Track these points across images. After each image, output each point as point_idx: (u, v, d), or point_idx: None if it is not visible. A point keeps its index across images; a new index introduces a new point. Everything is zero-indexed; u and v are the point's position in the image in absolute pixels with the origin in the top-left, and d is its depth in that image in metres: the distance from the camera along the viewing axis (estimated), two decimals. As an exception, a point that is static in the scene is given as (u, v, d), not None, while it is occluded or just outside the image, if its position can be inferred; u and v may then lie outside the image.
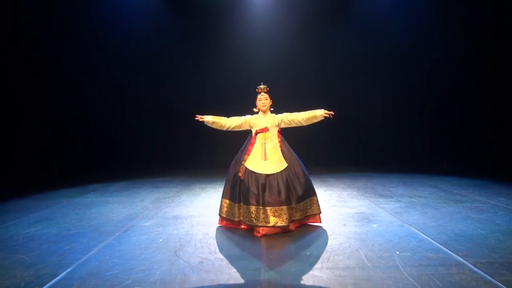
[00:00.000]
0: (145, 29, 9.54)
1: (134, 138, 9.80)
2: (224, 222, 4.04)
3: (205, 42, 9.72)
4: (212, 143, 9.64)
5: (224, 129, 4.04)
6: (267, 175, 3.78)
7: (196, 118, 4.00)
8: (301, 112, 3.96)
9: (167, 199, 5.67)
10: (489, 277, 2.52)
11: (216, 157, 9.46)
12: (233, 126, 4.01)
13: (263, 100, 3.98)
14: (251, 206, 3.69)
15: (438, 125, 9.66)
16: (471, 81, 9.02)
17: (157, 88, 9.78)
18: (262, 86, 4.04)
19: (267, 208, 3.65)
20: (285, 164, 3.86)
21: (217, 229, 3.94)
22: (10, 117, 8.14)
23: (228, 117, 4.08)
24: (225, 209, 4.00)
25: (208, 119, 3.99)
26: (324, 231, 3.77)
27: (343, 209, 4.73)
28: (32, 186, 7.11)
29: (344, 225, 3.97)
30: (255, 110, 4.08)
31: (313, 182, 4.18)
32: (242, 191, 3.82)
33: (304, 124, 4.00)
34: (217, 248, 3.29)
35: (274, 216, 3.64)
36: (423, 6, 9.31)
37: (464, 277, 2.53)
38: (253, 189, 3.73)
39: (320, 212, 4.00)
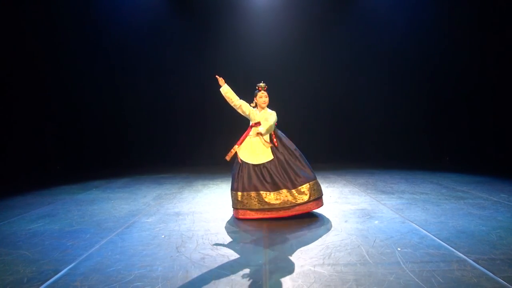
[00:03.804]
0: (146, 26, 9.53)
1: (136, 134, 9.82)
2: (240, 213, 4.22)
3: (207, 38, 9.71)
4: (214, 139, 9.65)
5: (232, 105, 4.32)
6: (254, 165, 4.14)
7: (216, 76, 4.30)
8: (270, 120, 4.16)
9: (169, 196, 5.69)
10: (491, 274, 2.52)
11: (218, 154, 9.43)
12: (242, 109, 4.28)
13: (263, 97, 4.28)
14: (251, 192, 4.08)
15: (440, 122, 9.64)
16: (474, 77, 8.99)
17: (158, 85, 9.78)
18: (262, 84, 4.31)
19: (260, 192, 4.05)
20: (271, 157, 4.15)
21: (218, 225, 3.95)
22: (12, 114, 8.16)
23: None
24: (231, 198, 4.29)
25: (226, 88, 4.29)
26: (326, 227, 3.77)
27: (344, 206, 4.73)
28: (35, 183, 7.14)
29: (346, 221, 3.98)
30: (252, 105, 4.35)
31: None
32: (239, 179, 4.15)
33: None
34: (218, 244, 3.30)
35: (275, 198, 4.05)
36: (426, 4, 9.26)
37: (465, 274, 2.53)
38: (245, 176, 4.12)
39: (322, 195, 4.30)
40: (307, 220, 4.08)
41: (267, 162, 4.14)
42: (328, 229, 3.69)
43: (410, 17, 9.39)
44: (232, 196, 4.23)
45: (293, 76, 9.58)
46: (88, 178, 7.70)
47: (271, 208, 4.05)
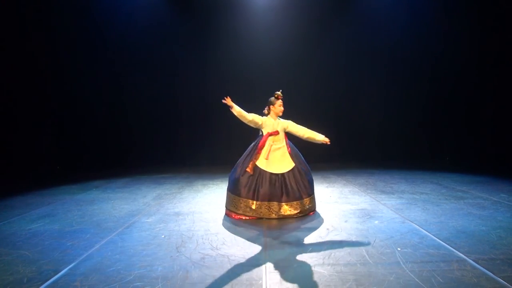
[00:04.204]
0: (147, 26, 9.52)
1: (137, 135, 9.81)
2: (234, 215, 4.24)
3: (207, 39, 9.70)
4: (214, 140, 9.65)
5: (245, 122, 4.28)
6: (273, 174, 4.15)
7: (224, 101, 4.12)
8: (304, 128, 4.40)
9: (169, 196, 5.68)
10: (491, 273, 2.52)
11: (218, 154, 9.48)
12: (255, 121, 4.26)
13: (282, 106, 4.34)
14: (268, 203, 4.10)
15: (440, 122, 9.64)
16: (473, 77, 8.99)
17: (159, 85, 9.78)
18: (280, 93, 4.34)
19: (275, 203, 4.11)
20: (292, 165, 4.24)
21: (218, 225, 3.95)
22: (12, 114, 8.16)
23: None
24: (233, 202, 4.24)
25: (237, 109, 4.18)
26: (326, 227, 3.77)
27: (344, 206, 4.73)
28: (35, 183, 7.14)
29: (346, 221, 3.98)
30: (265, 112, 4.39)
31: (314, 179, 4.40)
32: (252, 187, 4.12)
33: (304, 139, 4.44)
34: (218, 244, 3.30)
35: (285, 208, 4.12)
36: (426, 3, 9.26)
37: (465, 274, 2.53)
38: (263, 185, 4.11)
39: (315, 209, 4.45)
40: (307, 220, 4.09)
41: (286, 171, 4.20)
42: (328, 229, 3.69)
43: (409, 18, 9.39)
44: (238, 202, 4.16)
45: (293, 76, 9.57)
46: (88, 178, 7.70)
47: (285, 217, 4.13)
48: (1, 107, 7.94)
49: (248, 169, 4.16)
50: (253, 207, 4.10)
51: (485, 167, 7.72)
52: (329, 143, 4.38)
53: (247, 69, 9.43)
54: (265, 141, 4.27)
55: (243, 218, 4.14)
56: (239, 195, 4.16)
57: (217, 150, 9.55)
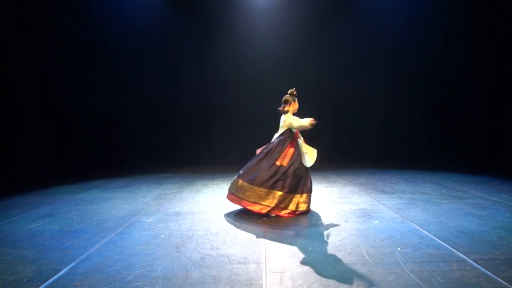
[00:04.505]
0: (147, 25, 9.51)
1: (136, 134, 9.81)
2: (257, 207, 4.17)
3: (207, 38, 9.69)
4: (214, 140, 9.65)
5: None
6: (304, 167, 4.31)
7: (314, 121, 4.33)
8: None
9: (169, 195, 5.69)
10: (491, 274, 2.52)
11: (218, 154, 9.48)
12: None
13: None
14: (289, 194, 4.19)
15: (440, 122, 9.63)
16: (473, 77, 8.99)
17: (159, 85, 9.77)
18: (295, 90, 4.57)
19: (297, 194, 4.23)
20: (315, 155, 4.44)
21: (218, 225, 3.95)
22: (12, 114, 8.16)
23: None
24: (256, 194, 4.18)
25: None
26: (326, 227, 3.77)
27: (344, 206, 4.73)
28: (35, 182, 7.14)
29: (346, 221, 3.98)
30: (287, 109, 4.47)
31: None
32: (280, 179, 4.16)
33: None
34: (218, 244, 3.30)
35: (300, 200, 4.24)
36: (426, 3, 9.27)
37: (465, 274, 2.53)
38: (290, 177, 4.16)
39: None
40: (307, 220, 4.09)
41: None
42: (328, 229, 3.69)
43: (409, 17, 9.39)
44: (263, 193, 4.11)
45: (293, 76, 9.55)
46: (88, 178, 7.70)
47: (300, 211, 4.24)
48: (1, 107, 7.93)
49: (277, 162, 4.20)
50: (277, 198, 4.11)
51: (485, 167, 7.72)
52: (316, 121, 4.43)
53: (247, 69, 9.43)
54: (297, 137, 4.40)
55: (267, 208, 4.09)
56: (265, 186, 4.13)
57: (217, 150, 9.55)
